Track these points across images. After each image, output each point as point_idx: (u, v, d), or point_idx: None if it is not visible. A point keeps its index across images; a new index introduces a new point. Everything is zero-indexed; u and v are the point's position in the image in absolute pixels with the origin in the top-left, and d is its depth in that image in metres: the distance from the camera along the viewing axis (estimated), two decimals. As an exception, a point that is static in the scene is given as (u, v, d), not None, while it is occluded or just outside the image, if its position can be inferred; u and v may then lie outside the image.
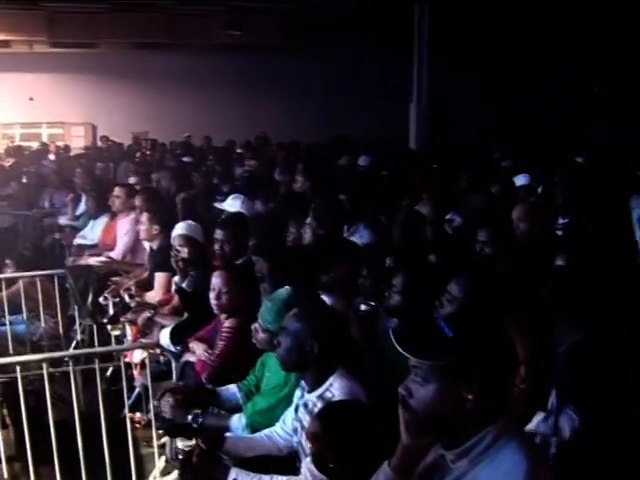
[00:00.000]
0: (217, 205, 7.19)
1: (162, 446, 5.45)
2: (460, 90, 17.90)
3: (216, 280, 4.90)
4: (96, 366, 5.45)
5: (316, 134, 17.44)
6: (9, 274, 7.96)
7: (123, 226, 7.96)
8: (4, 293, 7.79)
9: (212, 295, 4.90)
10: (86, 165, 12.29)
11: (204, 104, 19.97)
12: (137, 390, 6.13)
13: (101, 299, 7.16)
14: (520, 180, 8.16)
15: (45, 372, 5.31)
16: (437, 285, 3.97)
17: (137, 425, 6.21)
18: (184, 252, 5.78)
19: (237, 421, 4.08)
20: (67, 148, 17.32)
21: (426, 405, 2.34)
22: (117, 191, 8.07)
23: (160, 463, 5.37)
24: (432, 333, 2.36)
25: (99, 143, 19.17)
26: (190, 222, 6.08)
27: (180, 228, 6.00)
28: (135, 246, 7.78)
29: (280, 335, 3.67)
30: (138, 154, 15.90)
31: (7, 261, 8.35)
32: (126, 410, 5.77)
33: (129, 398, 6.10)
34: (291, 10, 17.89)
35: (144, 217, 6.88)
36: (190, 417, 4.04)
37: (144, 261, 7.58)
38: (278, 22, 18.77)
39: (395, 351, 3.87)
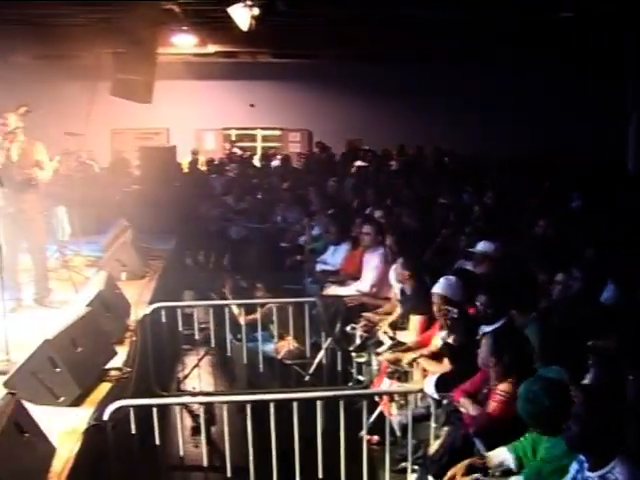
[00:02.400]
0: (469, 250, 7.44)
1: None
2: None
3: (485, 342, 5.25)
4: (364, 406, 5.98)
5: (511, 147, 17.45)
6: (263, 299, 8.69)
7: (371, 260, 8.37)
8: (258, 314, 8.52)
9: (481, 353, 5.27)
10: (319, 184, 12.76)
11: (416, 114, 20.17)
12: (376, 413, 6.62)
13: (348, 328, 7.71)
14: None
15: (319, 409, 5.90)
16: None
17: (374, 447, 6.68)
18: (454, 312, 6.10)
19: (515, 483, 4.44)
20: (288, 158, 18.00)
21: None
22: (366, 229, 8.48)
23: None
24: None
25: (315, 149, 19.94)
26: (451, 280, 6.35)
27: (445, 288, 6.29)
28: (382, 280, 8.20)
29: (572, 421, 3.94)
30: (356, 163, 16.37)
31: (258, 285, 9.08)
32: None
33: (368, 420, 6.60)
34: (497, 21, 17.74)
35: (398, 261, 7.28)
36: (472, 480, 4.42)
37: (388, 295, 8.03)
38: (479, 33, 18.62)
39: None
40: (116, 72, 12.77)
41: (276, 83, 21.04)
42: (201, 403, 6.65)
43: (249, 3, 10.88)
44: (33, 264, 8.76)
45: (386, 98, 20.33)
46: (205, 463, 6.73)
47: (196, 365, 8.84)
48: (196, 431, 7.26)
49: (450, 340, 6.16)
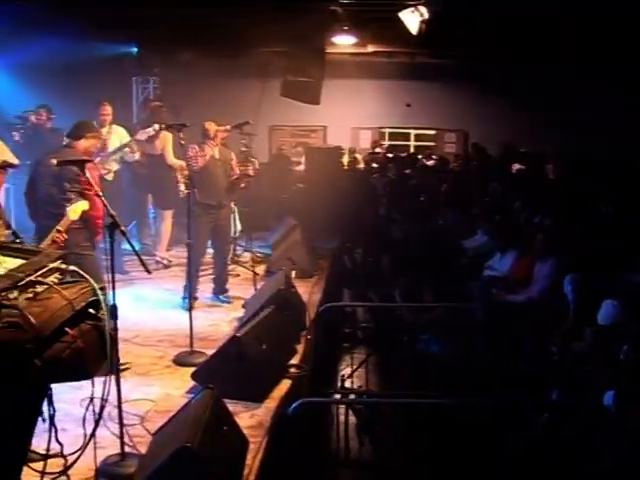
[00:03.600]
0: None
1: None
2: None
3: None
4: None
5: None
6: (431, 303, 8.85)
7: (543, 269, 8.29)
8: (426, 317, 8.69)
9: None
10: (479, 187, 12.73)
11: (575, 120, 19.61)
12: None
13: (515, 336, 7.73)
14: None
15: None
16: None
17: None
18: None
19: None
20: (444, 159, 18.00)
21: None
22: (539, 237, 8.44)
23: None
24: None
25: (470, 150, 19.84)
26: (609, 305, 6.34)
27: (602, 317, 6.32)
28: (553, 289, 8.13)
29: None
30: (515, 167, 16.18)
31: (426, 288, 9.22)
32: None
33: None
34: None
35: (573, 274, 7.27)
36: None
37: (560, 304, 7.97)
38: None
39: None
40: (286, 73, 13.15)
41: (432, 83, 20.94)
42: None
43: (422, 10, 11.01)
44: (216, 260, 9.19)
45: (545, 102, 19.89)
46: (369, 460, 6.94)
47: (363, 362, 9.03)
48: (360, 429, 7.46)
49: (630, 355, 6.12)
